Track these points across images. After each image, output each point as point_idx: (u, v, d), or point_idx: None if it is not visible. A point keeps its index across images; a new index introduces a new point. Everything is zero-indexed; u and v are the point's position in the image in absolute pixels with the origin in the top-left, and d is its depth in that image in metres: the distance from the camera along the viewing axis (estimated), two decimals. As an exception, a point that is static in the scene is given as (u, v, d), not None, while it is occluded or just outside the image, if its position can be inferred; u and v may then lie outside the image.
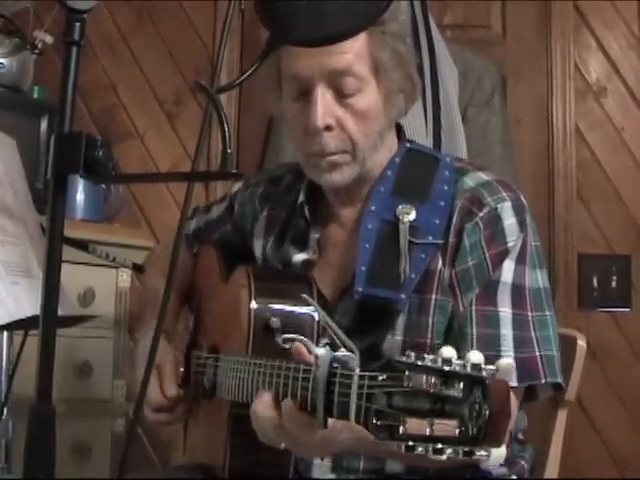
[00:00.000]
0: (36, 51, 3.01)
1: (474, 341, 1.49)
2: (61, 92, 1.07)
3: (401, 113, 1.64)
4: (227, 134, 1.01)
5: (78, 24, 1.07)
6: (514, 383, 1.46)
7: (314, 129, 1.53)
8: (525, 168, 3.37)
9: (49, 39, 3.08)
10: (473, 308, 1.52)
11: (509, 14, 3.54)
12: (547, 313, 1.55)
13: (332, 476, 1.59)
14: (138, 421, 1.14)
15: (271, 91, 1.64)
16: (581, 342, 1.80)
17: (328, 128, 1.53)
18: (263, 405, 1.29)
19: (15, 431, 1.91)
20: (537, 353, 1.50)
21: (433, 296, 1.53)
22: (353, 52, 1.51)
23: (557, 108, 3.47)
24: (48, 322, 1.01)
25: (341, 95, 1.53)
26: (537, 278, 1.56)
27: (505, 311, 1.51)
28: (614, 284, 3.43)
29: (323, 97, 1.52)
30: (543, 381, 1.49)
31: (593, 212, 3.46)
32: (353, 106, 1.54)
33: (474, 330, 1.50)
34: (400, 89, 1.59)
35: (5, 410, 1.89)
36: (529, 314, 1.53)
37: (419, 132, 2.79)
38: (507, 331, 1.50)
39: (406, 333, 1.54)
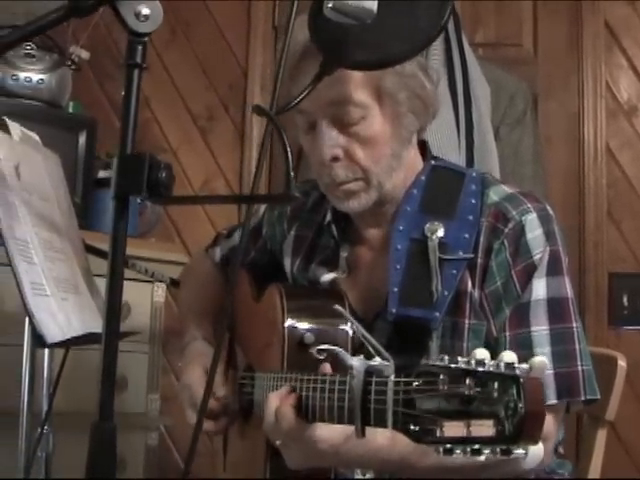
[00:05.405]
0: (73, 67, 3.03)
1: None
2: (124, 114, 1.08)
3: (415, 132, 1.62)
4: (289, 157, 1.02)
5: (140, 47, 1.09)
6: (553, 400, 1.45)
7: (322, 162, 1.55)
8: (556, 186, 3.36)
9: (85, 55, 3.10)
10: (506, 334, 1.50)
11: (541, 33, 3.55)
12: (580, 325, 1.53)
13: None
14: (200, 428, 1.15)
15: (292, 124, 1.65)
16: (622, 362, 1.80)
17: (335, 159, 1.54)
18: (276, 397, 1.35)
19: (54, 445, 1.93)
20: (579, 368, 1.48)
21: (466, 320, 1.53)
22: (352, 81, 1.50)
23: (588, 127, 3.47)
24: (111, 340, 1.03)
25: (345, 125, 1.53)
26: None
27: (540, 329, 1.49)
28: (644, 303, 3.42)
29: (327, 130, 1.53)
30: (583, 398, 1.48)
31: (623, 231, 3.45)
32: (359, 134, 1.53)
33: None
34: (409, 110, 1.56)
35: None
36: (573, 325, 1.51)
37: (452, 151, 2.78)
38: (542, 349, 1.47)
39: None
